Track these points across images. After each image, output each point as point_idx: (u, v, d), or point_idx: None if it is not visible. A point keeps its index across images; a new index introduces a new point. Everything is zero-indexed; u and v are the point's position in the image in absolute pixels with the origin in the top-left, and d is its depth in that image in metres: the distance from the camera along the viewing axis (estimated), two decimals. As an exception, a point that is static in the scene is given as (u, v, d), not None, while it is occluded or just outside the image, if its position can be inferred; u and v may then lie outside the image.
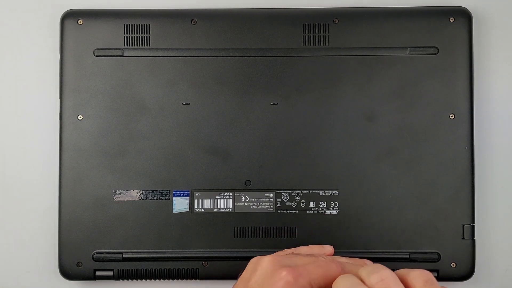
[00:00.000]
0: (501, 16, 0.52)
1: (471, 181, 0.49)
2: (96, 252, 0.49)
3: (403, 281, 0.34)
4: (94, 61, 0.50)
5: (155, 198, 0.49)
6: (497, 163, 0.52)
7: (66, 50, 0.50)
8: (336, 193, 0.49)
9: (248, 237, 0.49)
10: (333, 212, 0.49)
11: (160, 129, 0.49)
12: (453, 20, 0.50)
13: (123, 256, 0.49)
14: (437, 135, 0.49)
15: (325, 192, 0.49)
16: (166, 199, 0.49)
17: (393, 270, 0.34)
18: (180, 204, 0.49)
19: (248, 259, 0.40)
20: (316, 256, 0.38)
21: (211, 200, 0.49)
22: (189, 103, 0.50)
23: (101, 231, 0.49)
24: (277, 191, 0.49)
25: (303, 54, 0.50)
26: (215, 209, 0.49)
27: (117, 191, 0.49)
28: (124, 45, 0.50)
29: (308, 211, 0.49)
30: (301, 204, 0.49)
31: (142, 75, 0.50)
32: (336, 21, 0.50)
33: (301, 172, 0.49)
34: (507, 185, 0.52)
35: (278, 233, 0.49)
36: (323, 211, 0.49)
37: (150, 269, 0.49)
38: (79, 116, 0.49)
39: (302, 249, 0.44)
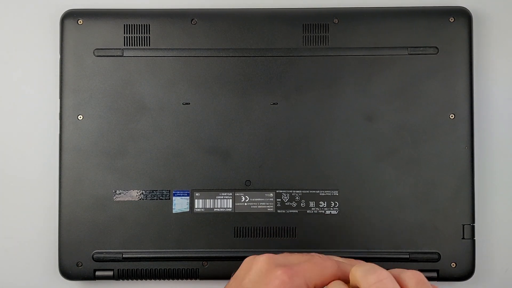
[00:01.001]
0: (501, 16, 0.52)
1: (471, 181, 0.49)
2: (96, 252, 0.49)
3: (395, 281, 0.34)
4: (94, 61, 0.50)
5: (155, 198, 0.49)
6: (497, 163, 0.52)
7: (66, 50, 0.50)
8: (336, 193, 0.49)
9: (248, 237, 0.49)
10: (333, 212, 0.49)
11: (160, 129, 0.49)
12: (453, 20, 0.50)
13: (123, 256, 0.49)
14: (437, 135, 0.49)
15: (325, 192, 0.49)
16: (166, 199, 0.49)
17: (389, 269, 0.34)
18: (180, 204, 0.49)
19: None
20: (312, 255, 0.38)
21: (211, 200, 0.49)
22: (189, 103, 0.50)
23: (101, 231, 0.49)
24: (277, 191, 0.49)
25: (303, 54, 0.50)
26: (215, 209, 0.49)
27: (117, 191, 0.49)
28: (124, 45, 0.50)
29: (308, 211, 0.49)
30: (301, 204, 0.49)
31: (142, 75, 0.50)
32: (336, 21, 0.50)
33: (301, 172, 0.49)
34: (507, 185, 0.52)
35: (278, 233, 0.49)
36: (323, 211, 0.49)
37: (150, 269, 0.49)
38: (79, 116, 0.49)
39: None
